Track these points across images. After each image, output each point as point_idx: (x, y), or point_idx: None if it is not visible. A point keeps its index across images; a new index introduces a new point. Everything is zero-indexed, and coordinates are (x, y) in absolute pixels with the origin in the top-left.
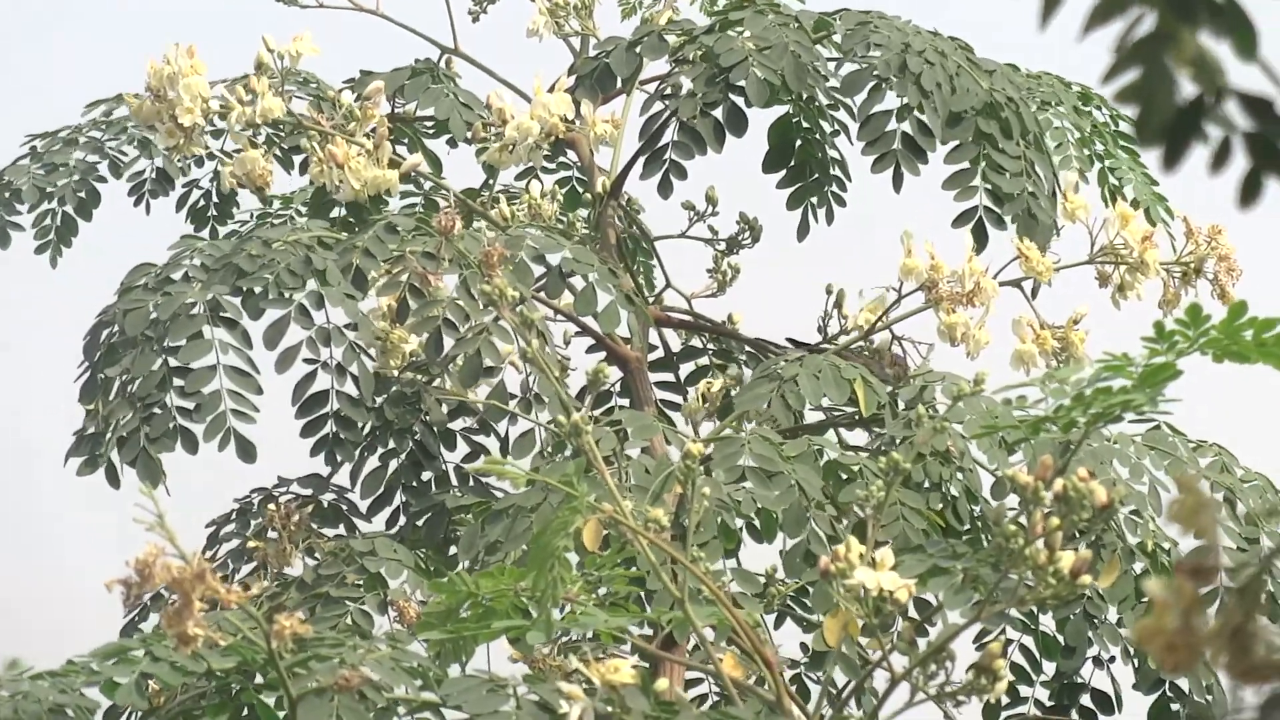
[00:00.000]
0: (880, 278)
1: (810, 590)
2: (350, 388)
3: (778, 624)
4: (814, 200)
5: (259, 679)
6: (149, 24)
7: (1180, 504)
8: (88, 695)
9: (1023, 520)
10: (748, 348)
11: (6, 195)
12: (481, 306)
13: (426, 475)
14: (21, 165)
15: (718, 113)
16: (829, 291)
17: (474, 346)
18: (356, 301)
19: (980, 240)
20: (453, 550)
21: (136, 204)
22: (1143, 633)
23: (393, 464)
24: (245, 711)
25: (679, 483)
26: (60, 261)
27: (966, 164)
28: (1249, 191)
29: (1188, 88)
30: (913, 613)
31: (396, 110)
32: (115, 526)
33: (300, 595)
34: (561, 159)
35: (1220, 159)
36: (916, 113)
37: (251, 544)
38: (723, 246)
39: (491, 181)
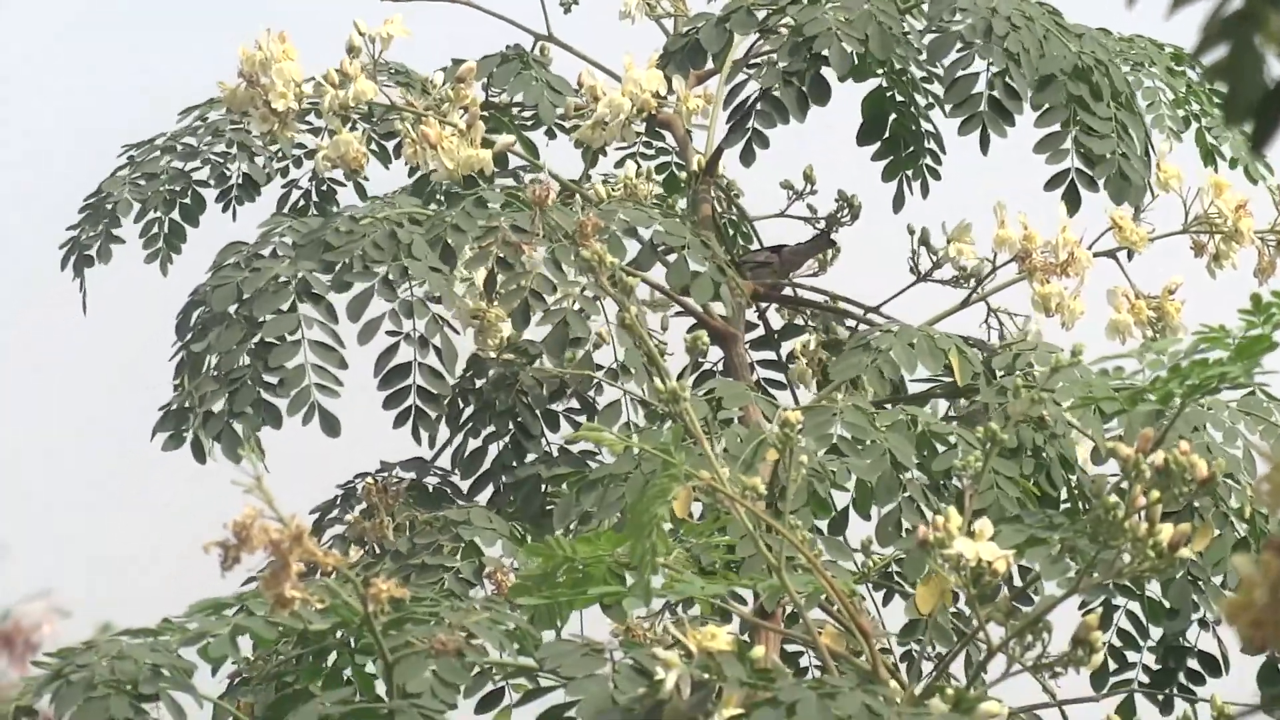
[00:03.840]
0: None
1: (905, 559)
2: (433, 360)
3: (885, 601)
4: (909, 173)
5: (354, 643)
6: (231, 21)
7: (1268, 480)
8: (184, 656)
9: (1118, 494)
10: (849, 322)
11: (108, 207)
12: (575, 275)
13: (530, 456)
14: (120, 177)
15: (802, 83)
16: (911, 231)
17: (560, 318)
18: (441, 275)
19: (1073, 203)
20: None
21: (224, 210)
22: (1230, 609)
23: (494, 446)
24: (342, 678)
25: (776, 450)
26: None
27: (1057, 127)
28: None
29: (1277, 66)
30: (1018, 581)
31: (490, 99)
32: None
33: (395, 565)
34: (661, 145)
35: None
36: (1004, 77)
37: (351, 519)
38: (822, 225)
39: (588, 168)
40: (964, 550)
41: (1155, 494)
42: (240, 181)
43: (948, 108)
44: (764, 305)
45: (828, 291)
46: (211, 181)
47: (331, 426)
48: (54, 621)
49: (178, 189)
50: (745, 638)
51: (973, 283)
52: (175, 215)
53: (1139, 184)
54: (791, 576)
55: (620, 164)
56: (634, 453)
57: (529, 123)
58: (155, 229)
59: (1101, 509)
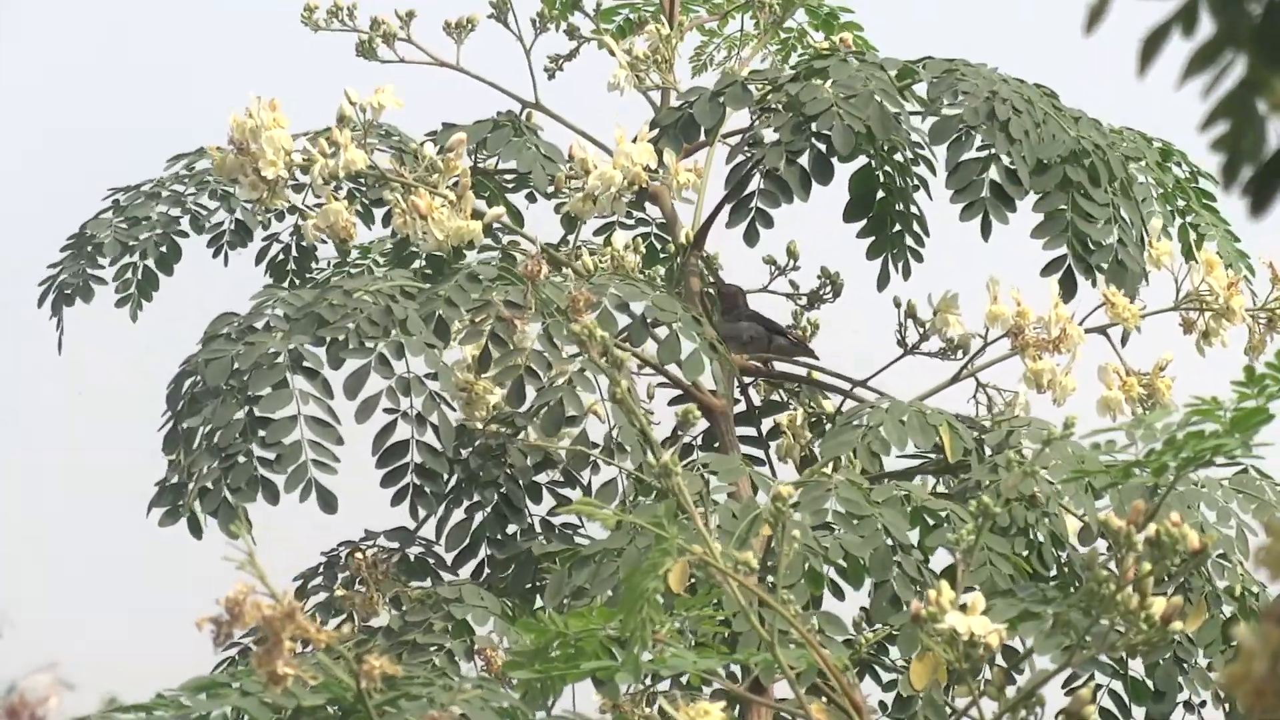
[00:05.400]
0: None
1: (896, 638)
2: (431, 438)
3: (860, 677)
4: (893, 252)
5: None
6: (227, 80)
7: (1268, 549)
8: None
9: (1113, 566)
10: (833, 395)
11: (89, 249)
12: (564, 354)
13: (512, 528)
14: (104, 219)
15: (803, 161)
16: (897, 304)
17: (556, 396)
18: (437, 351)
19: (1068, 289)
20: (539, 600)
21: (215, 255)
22: (1231, 678)
23: (478, 516)
24: None
25: (768, 525)
26: (143, 314)
27: (1054, 212)
28: None
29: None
30: (1001, 659)
31: (478, 164)
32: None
33: (387, 642)
34: (641, 215)
35: None
36: (1004, 160)
37: (338, 592)
38: (804, 301)
39: (570, 237)
40: (956, 624)
41: (1146, 566)
42: (233, 227)
43: (950, 193)
44: (748, 381)
45: (815, 365)
46: (190, 232)
47: (329, 503)
48: (60, 694)
49: (159, 234)
50: (737, 713)
51: (960, 355)
52: (151, 263)
53: (1136, 271)
54: (785, 651)
55: (600, 232)
56: (627, 528)
57: (510, 185)
58: (130, 274)
59: (1094, 582)
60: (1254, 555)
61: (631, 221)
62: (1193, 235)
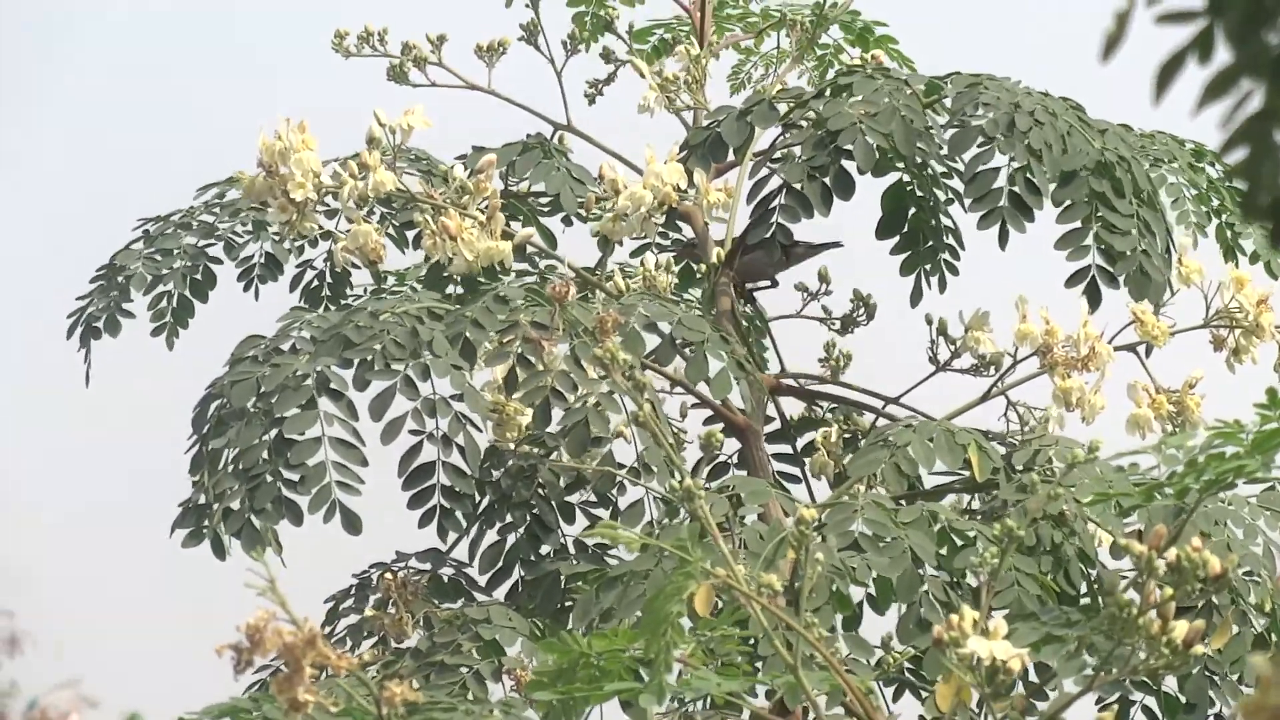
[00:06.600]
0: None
1: (924, 658)
2: (457, 459)
3: (896, 696)
4: (927, 268)
5: None
6: (255, 105)
7: None
8: None
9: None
10: (866, 414)
11: (120, 280)
12: (591, 374)
13: (545, 548)
14: (134, 250)
15: (825, 177)
16: (929, 321)
17: (581, 417)
18: (463, 372)
19: (1093, 300)
20: (570, 622)
21: (246, 289)
22: (1248, 708)
23: (510, 537)
24: None
25: (792, 548)
26: (177, 341)
27: (1078, 223)
28: None
29: None
30: (1035, 675)
31: (510, 188)
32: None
33: (415, 663)
34: (676, 236)
35: None
36: (1025, 172)
37: (369, 613)
38: (836, 326)
39: (605, 257)
40: (978, 649)
41: (1168, 591)
42: (263, 260)
43: (968, 202)
44: (780, 397)
45: (847, 384)
46: (224, 259)
47: (353, 524)
48: (81, 711)
49: (191, 264)
50: None
51: (992, 371)
52: (185, 291)
53: (1160, 281)
54: (809, 674)
55: (637, 253)
56: (654, 549)
57: (546, 209)
58: (164, 303)
59: (1115, 606)
60: (1275, 581)
61: (668, 243)
62: (1229, 235)
